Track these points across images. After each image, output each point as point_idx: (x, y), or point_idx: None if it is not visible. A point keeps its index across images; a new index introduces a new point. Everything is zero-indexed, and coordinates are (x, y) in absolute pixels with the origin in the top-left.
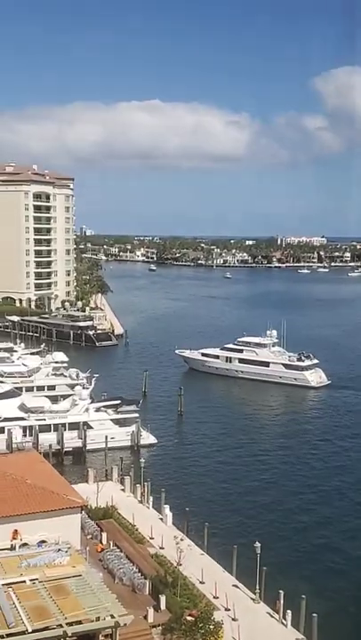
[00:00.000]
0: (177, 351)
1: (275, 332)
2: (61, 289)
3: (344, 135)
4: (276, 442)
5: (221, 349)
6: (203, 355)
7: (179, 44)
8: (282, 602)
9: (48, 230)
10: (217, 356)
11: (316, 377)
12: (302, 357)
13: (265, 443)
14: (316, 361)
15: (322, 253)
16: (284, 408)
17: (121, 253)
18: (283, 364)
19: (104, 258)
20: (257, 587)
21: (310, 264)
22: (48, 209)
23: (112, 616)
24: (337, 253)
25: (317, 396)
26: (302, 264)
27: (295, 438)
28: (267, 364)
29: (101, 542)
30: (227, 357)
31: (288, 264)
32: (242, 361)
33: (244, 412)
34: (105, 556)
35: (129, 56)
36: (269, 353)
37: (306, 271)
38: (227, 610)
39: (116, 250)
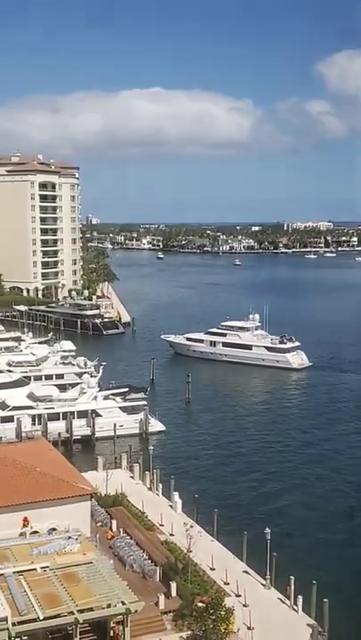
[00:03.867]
0: (162, 336)
1: (257, 316)
2: (68, 278)
3: (347, 119)
4: (278, 427)
5: (205, 333)
6: (187, 339)
7: (180, 31)
8: (292, 587)
9: (54, 220)
10: (201, 340)
11: (297, 359)
12: (284, 340)
13: (269, 428)
14: (297, 343)
15: (329, 238)
16: (277, 391)
17: (127, 241)
18: (265, 347)
19: (110, 246)
20: (267, 573)
21: (317, 249)
22: (54, 198)
23: (123, 603)
24: (344, 238)
25: (299, 377)
26: (309, 249)
27: (295, 422)
28: (249, 347)
29: (111, 529)
30: (211, 341)
31: (295, 249)
32: (225, 344)
33: (245, 397)
34: (115, 544)
35: (130, 44)
36: (252, 336)
37: (313, 256)
38: (237, 596)
39: (122, 238)
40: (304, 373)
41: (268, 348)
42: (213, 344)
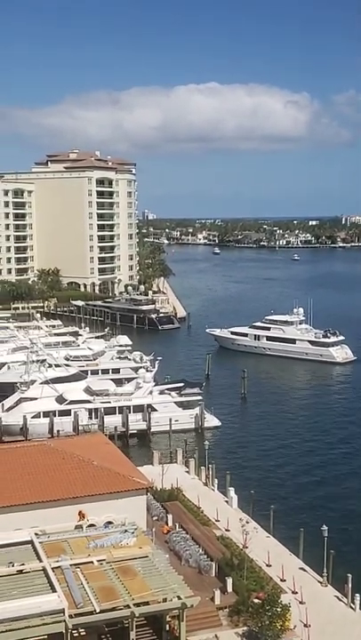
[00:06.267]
0: (208, 330)
1: (301, 310)
2: (124, 273)
3: None
4: (333, 422)
5: (250, 327)
6: (232, 333)
7: (237, 25)
8: (350, 585)
9: (111, 215)
10: (245, 334)
11: (341, 353)
12: (328, 334)
13: (324, 423)
14: (341, 337)
15: None
16: (325, 386)
17: (183, 237)
18: (309, 341)
19: (166, 241)
20: (324, 570)
21: None
22: (111, 194)
23: (179, 597)
24: None
25: (343, 371)
26: None
27: (350, 417)
28: (293, 341)
29: (167, 524)
30: (255, 335)
31: (353, 243)
32: (269, 338)
33: (296, 392)
34: (171, 538)
35: (186, 40)
36: (296, 330)
37: None
38: (294, 593)
39: (178, 233)
40: (348, 367)
41: (312, 342)
42: (258, 338)
